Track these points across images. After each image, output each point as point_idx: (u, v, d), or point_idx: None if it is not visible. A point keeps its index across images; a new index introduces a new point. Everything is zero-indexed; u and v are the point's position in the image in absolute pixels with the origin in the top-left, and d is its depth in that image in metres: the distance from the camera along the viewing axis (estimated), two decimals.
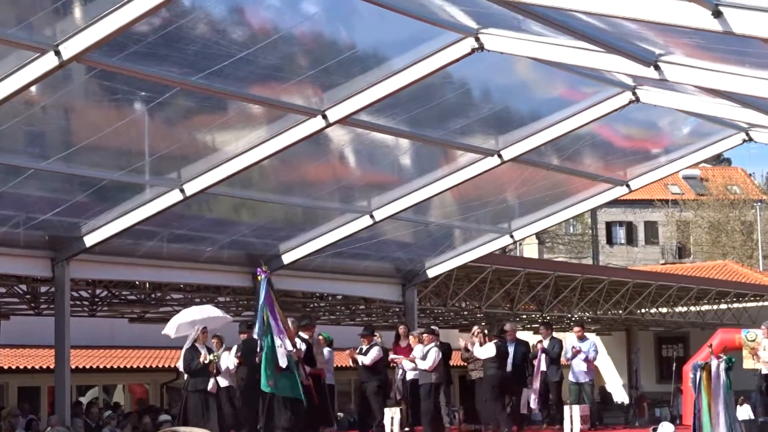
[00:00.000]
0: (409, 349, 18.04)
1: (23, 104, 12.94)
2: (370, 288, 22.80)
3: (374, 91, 13.66)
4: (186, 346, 16.16)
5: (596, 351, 19.22)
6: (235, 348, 16.67)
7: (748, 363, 18.51)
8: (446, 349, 18.15)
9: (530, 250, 58.09)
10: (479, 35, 12.53)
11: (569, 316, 33.79)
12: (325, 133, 15.17)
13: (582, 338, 18.96)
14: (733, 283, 39.64)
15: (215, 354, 16.28)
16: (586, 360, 18.71)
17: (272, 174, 17.16)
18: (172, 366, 27.01)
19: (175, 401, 26.93)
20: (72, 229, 16.72)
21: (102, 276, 19.79)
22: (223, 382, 16.62)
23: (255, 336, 14.74)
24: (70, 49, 11.06)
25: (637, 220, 66.74)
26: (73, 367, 20.65)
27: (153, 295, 23.60)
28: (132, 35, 11.43)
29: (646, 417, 31.39)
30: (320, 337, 17.38)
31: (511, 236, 21.58)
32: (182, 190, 15.76)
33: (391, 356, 18.39)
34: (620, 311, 34.97)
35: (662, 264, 58.25)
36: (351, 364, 18.76)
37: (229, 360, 16.68)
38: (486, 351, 17.56)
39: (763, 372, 18.11)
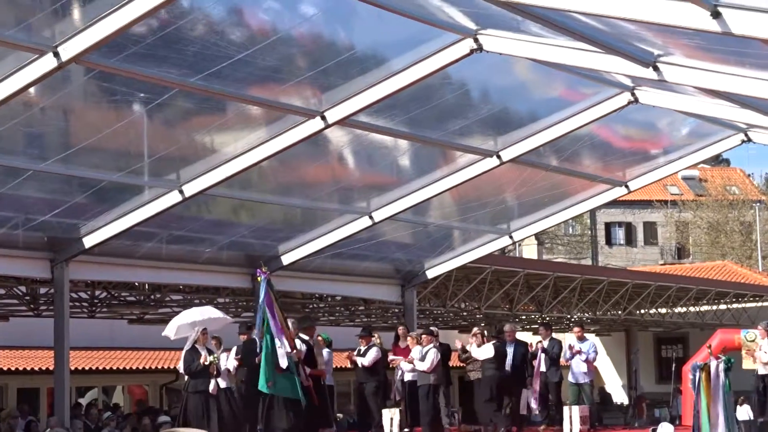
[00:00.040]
0: (408, 350, 18.03)
1: (22, 105, 12.93)
2: (369, 289, 22.81)
3: (373, 92, 13.66)
4: (186, 347, 16.15)
5: (596, 352, 19.20)
6: (234, 349, 16.67)
7: (747, 363, 18.50)
8: (445, 350, 18.14)
9: (529, 251, 58.08)
10: (478, 36, 12.53)
11: (568, 316, 33.78)
12: (324, 134, 15.17)
13: (581, 339, 18.95)
14: (732, 283, 39.65)
15: (215, 355, 16.27)
16: (586, 361, 18.70)
17: (271, 175, 17.16)
18: (172, 367, 27.03)
19: (175, 402, 26.93)
20: (71, 230, 16.72)
21: (101, 277, 19.77)
22: (222, 384, 16.61)
23: (254, 337, 14.74)
24: (68, 50, 11.06)
25: (636, 220, 66.72)
26: (73, 368, 20.66)
27: (152, 297, 23.60)
28: (131, 36, 11.43)
29: (644, 417, 31.39)
30: (319, 338, 17.37)
31: (511, 237, 21.60)
32: (181, 192, 15.77)
33: (391, 357, 18.40)
34: (619, 312, 34.97)
35: (661, 264, 58.25)
36: (349, 365, 18.76)
37: (228, 361, 16.68)
38: (484, 352, 17.54)
39: (760, 372, 18.10)
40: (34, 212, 15.97)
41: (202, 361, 15.91)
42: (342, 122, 14.41)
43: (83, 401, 28.09)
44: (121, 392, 33.01)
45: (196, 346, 16.08)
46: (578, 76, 14.29)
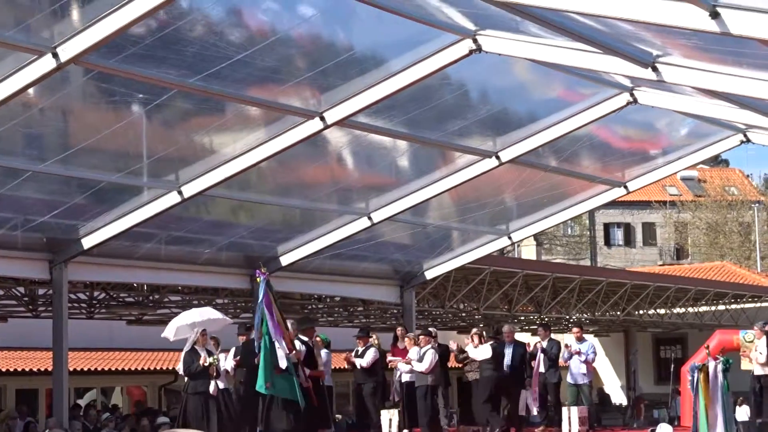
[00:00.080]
0: (407, 351, 18.02)
1: (21, 106, 12.93)
2: (368, 290, 22.81)
3: (372, 92, 13.66)
4: (186, 348, 16.13)
5: (595, 352, 19.18)
6: (233, 350, 16.66)
7: (746, 364, 18.51)
8: (444, 351, 18.14)
9: (528, 252, 58.19)
10: (477, 37, 12.54)
11: (567, 317, 33.79)
12: (323, 135, 15.17)
13: (581, 339, 18.94)
14: (731, 284, 39.67)
15: (215, 357, 16.26)
16: (585, 361, 18.68)
17: (270, 176, 17.16)
18: (170, 368, 27.02)
19: (174, 403, 26.94)
20: (70, 231, 16.71)
21: (100, 278, 19.77)
22: (221, 385, 16.59)
23: (253, 338, 14.73)
24: (67, 51, 11.06)
25: (635, 221, 66.74)
26: (71, 369, 20.64)
27: (151, 297, 23.59)
28: (130, 37, 11.43)
29: (643, 418, 31.40)
30: (317, 339, 17.36)
31: (509, 238, 21.61)
32: (180, 192, 15.76)
33: (389, 358, 18.39)
34: (618, 312, 34.97)
35: (660, 265, 58.25)
36: (347, 366, 18.75)
37: (226, 362, 16.67)
38: (481, 352, 17.52)
39: (756, 373, 18.10)
40: (33, 213, 15.96)
41: (201, 362, 15.88)
42: (341, 123, 14.41)
43: (82, 402, 28.07)
44: (120, 393, 32.99)
45: (196, 347, 16.06)
46: (577, 76, 14.29)
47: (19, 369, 27.48)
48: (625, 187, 19.60)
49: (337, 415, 23.00)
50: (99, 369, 29.17)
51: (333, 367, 18.71)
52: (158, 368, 30.07)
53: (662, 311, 37.08)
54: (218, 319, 16.88)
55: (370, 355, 17.81)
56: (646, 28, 10.19)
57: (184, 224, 17.77)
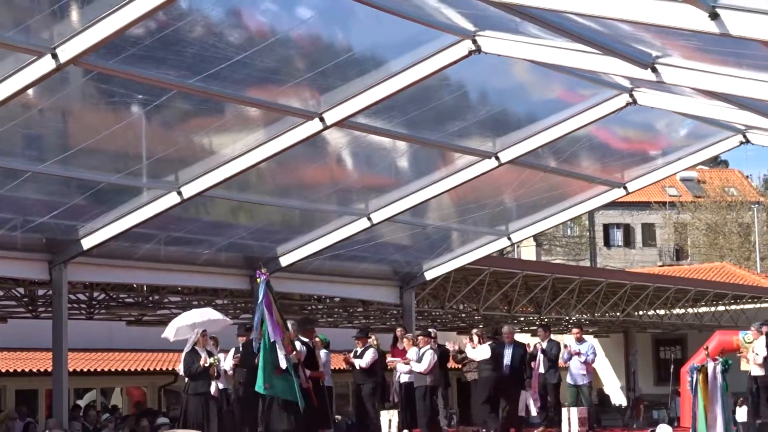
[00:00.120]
0: (407, 352, 18.02)
1: (20, 107, 12.93)
2: (367, 290, 22.81)
3: (371, 93, 13.66)
4: (186, 349, 16.12)
5: (595, 353, 19.19)
6: (233, 351, 16.66)
7: (745, 365, 18.51)
8: (443, 352, 18.13)
9: (528, 253, 58.19)
10: (476, 37, 12.54)
11: (567, 318, 33.79)
12: (323, 136, 15.17)
13: (580, 340, 18.94)
14: (731, 284, 39.69)
15: (215, 357, 16.26)
16: (585, 362, 18.69)
17: (269, 177, 17.16)
18: (170, 369, 27.02)
19: (173, 404, 26.94)
20: (69, 231, 16.71)
21: (99, 279, 19.77)
22: (221, 385, 16.59)
23: (253, 338, 14.73)
24: (67, 52, 11.05)
25: (635, 222, 66.74)
26: (71, 370, 20.62)
27: (150, 298, 23.60)
28: (129, 38, 11.43)
29: (642, 419, 31.40)
30: (317, 339, 17.36)
31: (509, 238, 21.61)
32: (179, 193, 15.76)
33: (389, 359, 18.39)
34: (618, 313, 34.97)
35: (660, 266, 58.28)
36: (346, 366, 18.74)
37: (225, 363, 16.67)
38: (480, 353, 17.51)
39: (753, 374, 18.10)
40: (32, 214, 15.96)
41: (202, 363, 15.88)
42: (340, 124, 14.41)
43: (81, 403, 28.05)
44: (120, 394, 32.98)
45: (196, 348, 16.05)
46: (577, 77, 14.29)
47: (19, 370, 27.49)
48: (625, 187, 19.60)
49: (336, 416, 23.00)
50: (99, 370, 29.17)
51: (333, 368, 18.70)
52: (158, 369, 30.07)
53: (662, 312, 37.09)
54: (218, 319, 16.89)
55: (369, 355, 17.81)
56: (646, 29, 10.19)
57: (184, 225, 17.77)
